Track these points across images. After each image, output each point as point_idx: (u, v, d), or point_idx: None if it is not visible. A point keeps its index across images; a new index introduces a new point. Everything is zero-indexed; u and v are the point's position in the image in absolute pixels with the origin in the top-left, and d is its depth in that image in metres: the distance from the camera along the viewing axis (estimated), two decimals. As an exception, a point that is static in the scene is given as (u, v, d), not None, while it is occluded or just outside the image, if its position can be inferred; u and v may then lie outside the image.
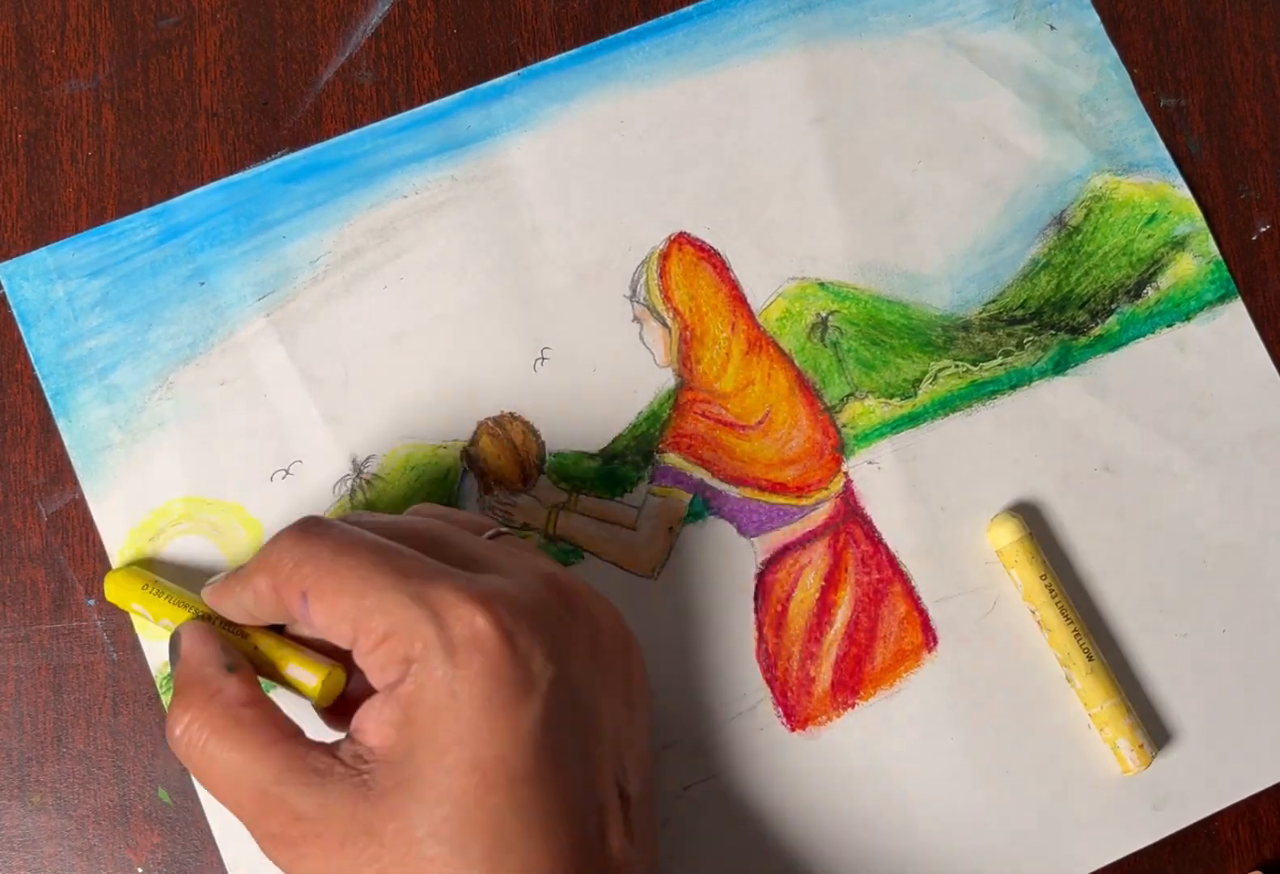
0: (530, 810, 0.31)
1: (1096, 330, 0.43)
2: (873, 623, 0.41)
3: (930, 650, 0.41)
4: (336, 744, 0.32)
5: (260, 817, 0.32)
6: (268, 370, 0.41)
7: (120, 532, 0.40)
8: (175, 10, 0.43)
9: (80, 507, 0.40)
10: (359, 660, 0.32)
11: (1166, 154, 0.44)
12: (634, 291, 0.42)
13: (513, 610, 0.31)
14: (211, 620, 0.36)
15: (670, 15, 0.44)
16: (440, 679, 0.31)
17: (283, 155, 0.42)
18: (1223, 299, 0.44)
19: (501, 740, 0.31)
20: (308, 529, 0.33)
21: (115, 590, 0.39)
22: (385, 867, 0.31)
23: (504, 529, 0.37)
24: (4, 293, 0.41)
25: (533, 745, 0.31)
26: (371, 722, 0.32)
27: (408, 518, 0.36)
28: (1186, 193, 0.44)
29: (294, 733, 0.33)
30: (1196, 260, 0.44)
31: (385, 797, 0.31)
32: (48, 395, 0.40)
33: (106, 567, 0.40)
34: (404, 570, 0.32)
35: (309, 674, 0.34)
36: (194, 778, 0.33)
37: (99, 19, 0.43)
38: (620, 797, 0.34)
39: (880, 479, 0.42)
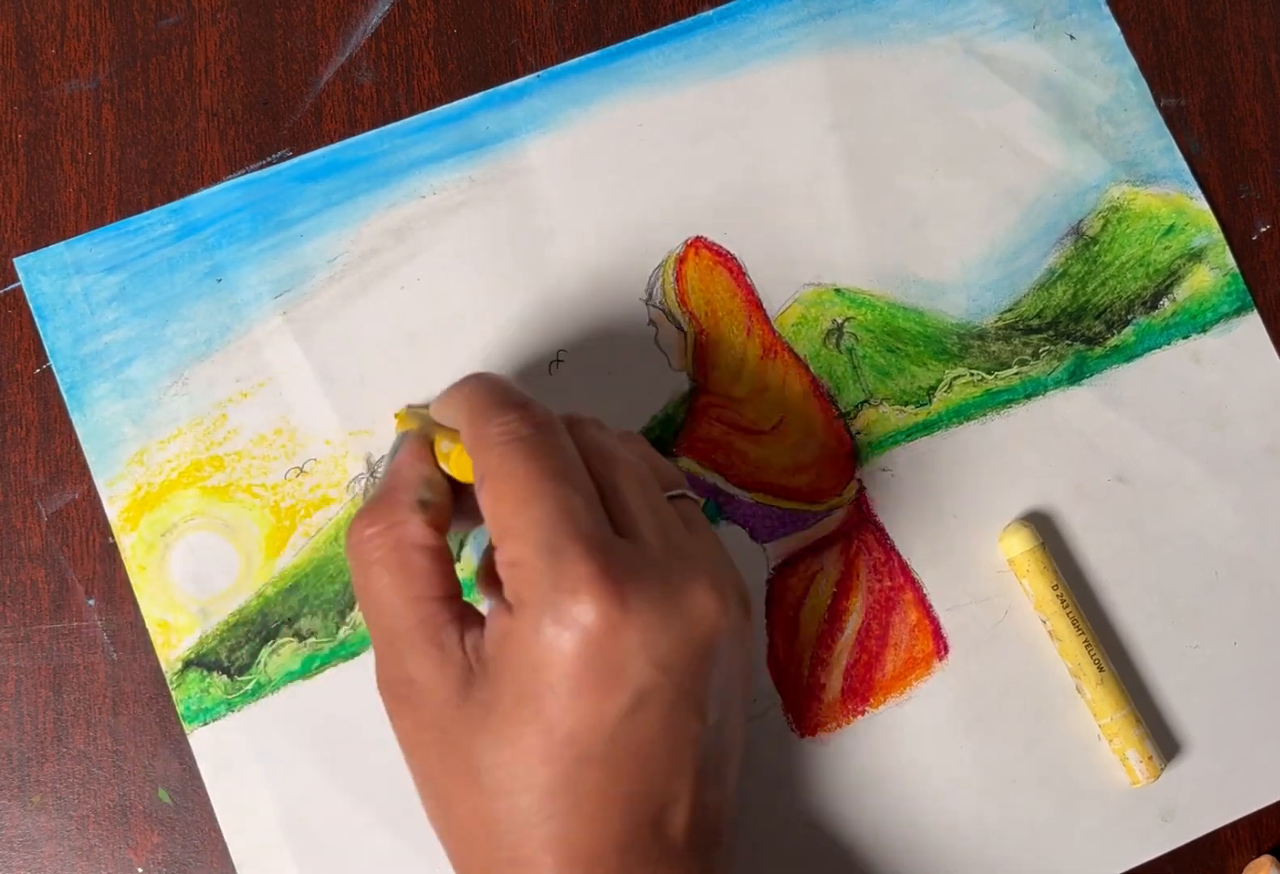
0: (586, 789, 0.31)
1: (1112, 341, 0.43)
2: (884, 630, 0.41)
3: (941, 659, 0.41)
4: (474, 625, 0.32)
5: (382, 656, 0.33)
6: (283, 368, 0.41)
7: (132, 526, 0.40)
8: (175, 10, 0.43)
9: (80, 507, 0.40)
10: (496, 564, 0.32)
11: (1184, 165, 0.44)
12: (650, 295, 0.42)
13: (629, 608, 0.31)
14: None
15: (690, 19, 0.44)
16: (536, 637, 0.31)
17: (285, 154, 0.42)
18: (1239, 311, 0.44)
19: (578, 719, 0.30)
20: (527, 419, 0.33)
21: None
22: (445, 770, 0.32)
23: (689, 494, 0.36)
24: (4, 291, 0.41)
25: (607, 734, 0.31)
26: (487, 627, 0.32)
27: (626, 454, 0.34)
28: (1204, 204, 0.44)
29: (449, 595, 0.33)
30: (1213, 273, 0.44)
31: (472, 707, 0.31)
32: (62, 389, 0.40)
33: (107, 567, 0.40)
34: (564, 516, 0.31)
35: (448, 444, 0.34)
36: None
37: (99, 19, 0.43)
38: (698, 799, 0.33)
39: (893, 486, 0.42)
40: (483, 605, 0.34)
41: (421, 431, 0.35)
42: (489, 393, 0.34)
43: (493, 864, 0.32)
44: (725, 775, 0.34)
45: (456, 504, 0.35)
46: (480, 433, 0.33)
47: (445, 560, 0.33)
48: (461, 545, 0.41)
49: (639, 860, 0.31)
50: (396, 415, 0.37)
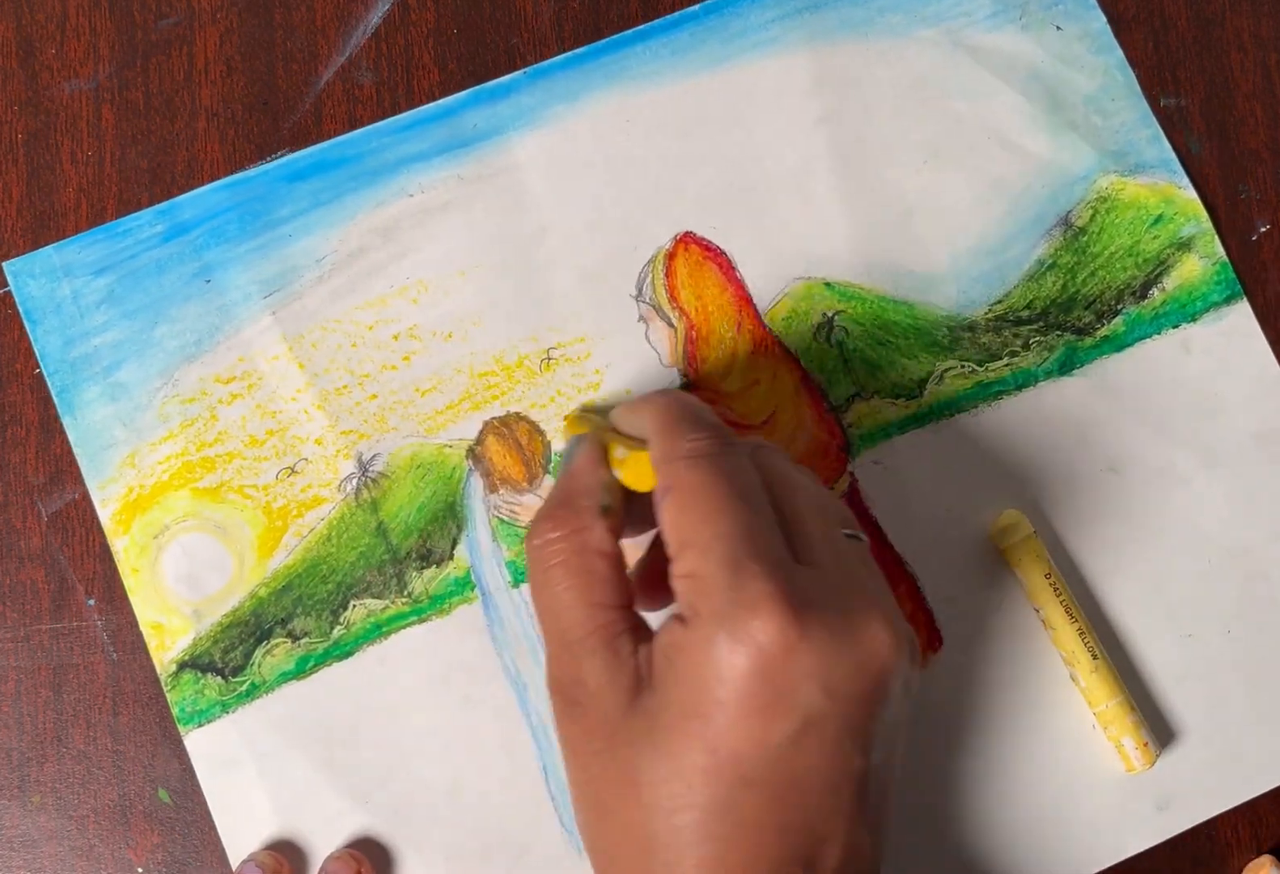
0: (745, 814, 0.30)
1: (1102, 331, 0.43)
2: (878, 623, 0.41)
3: (935, 650, 0.41)
4: (645, 638, 0.32)
5: (556, 657, 0.33)
6: (273, 369, 0.41)
7: (124, 529, 0.40)
8: (175, 10, 0.43)
9: (80, 507, 0.40)
10: (671, 576, 0.32)
11: (1172, 155, 0.44)
12: (640, 291, 0.42)
13: (806, 632, 0.30)
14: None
15: (676, 14, 0.44)
16: (710, 651, 0.30)
17: (284, 155, 0.42)
18: (1229, 300, 0.44)
19: (744, 739, 0.30)
20: (717, 439, 0.33)
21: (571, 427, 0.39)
22: (606, 779, 0.32)
23: (859, 535, 0.35)
24: (4, 291, 0.41)
25: (770, 758, 0.30)
26: (657, 638, 0.32)
27: (806, 482, 0.34)
28: (1192, 194, 0.44)
29: (625, 604, 0.33)
30: (1202, 261, 0.44)
31: (638, 717, 0.31)
32: (53, 393, 0.40)
33: (107, 567, 0.40)
34: (748, 534, 0.31)
35: (623, 450, 0.34)
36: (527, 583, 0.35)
37: (99, 19, 0.43)
38: (851, 840, 0.32)
39: (886, 479, 0.42)
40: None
41: (596, 437, 0.35)
42: (682, 409, 0.34)
43: None
44: (881, 820, 0.33)
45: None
46: (671, 446, 0.33)
47: (622, 569, 0.33)
48: (455, 544, 0.41)
49: None
50: (566, 418, 0.38)
